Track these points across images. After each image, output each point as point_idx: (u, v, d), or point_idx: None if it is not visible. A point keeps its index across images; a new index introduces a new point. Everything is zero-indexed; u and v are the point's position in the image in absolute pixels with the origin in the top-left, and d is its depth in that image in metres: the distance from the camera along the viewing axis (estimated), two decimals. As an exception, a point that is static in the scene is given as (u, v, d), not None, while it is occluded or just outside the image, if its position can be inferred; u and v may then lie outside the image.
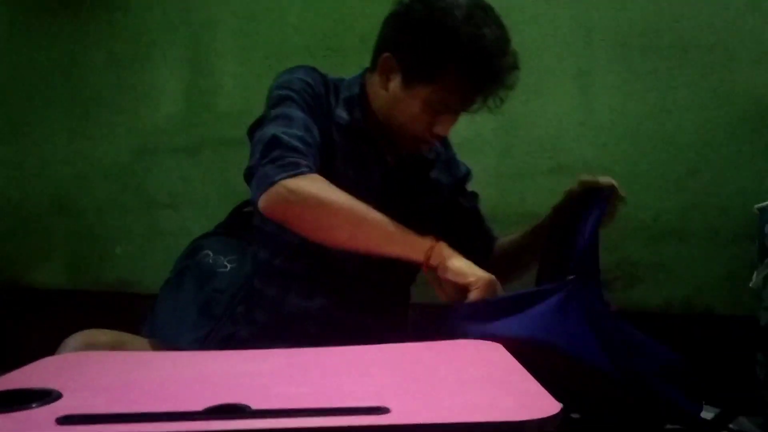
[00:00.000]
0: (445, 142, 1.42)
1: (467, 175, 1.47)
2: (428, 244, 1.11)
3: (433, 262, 1.10)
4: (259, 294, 1.27)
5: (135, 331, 1.29)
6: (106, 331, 1.16)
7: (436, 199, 1.39)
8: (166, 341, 1.25)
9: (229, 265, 1.38)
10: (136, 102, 2.05)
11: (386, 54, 1.22)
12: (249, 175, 1.18)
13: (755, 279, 1.49)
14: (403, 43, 1.21)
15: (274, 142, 1.13)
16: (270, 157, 1.12)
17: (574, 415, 1.08)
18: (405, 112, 1.22)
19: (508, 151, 1.81)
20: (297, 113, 1.19)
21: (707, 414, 1.29)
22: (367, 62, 1.32)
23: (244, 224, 1.39)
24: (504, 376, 0.77)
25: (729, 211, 1.68)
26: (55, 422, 0.63)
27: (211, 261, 1.40)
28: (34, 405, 0.70)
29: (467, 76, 1.17)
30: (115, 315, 1.73)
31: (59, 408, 0.69)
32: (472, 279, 1.07)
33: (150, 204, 2.05)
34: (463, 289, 1.08)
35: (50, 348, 1.05)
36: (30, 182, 2.14)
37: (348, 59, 1.85)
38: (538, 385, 0.72)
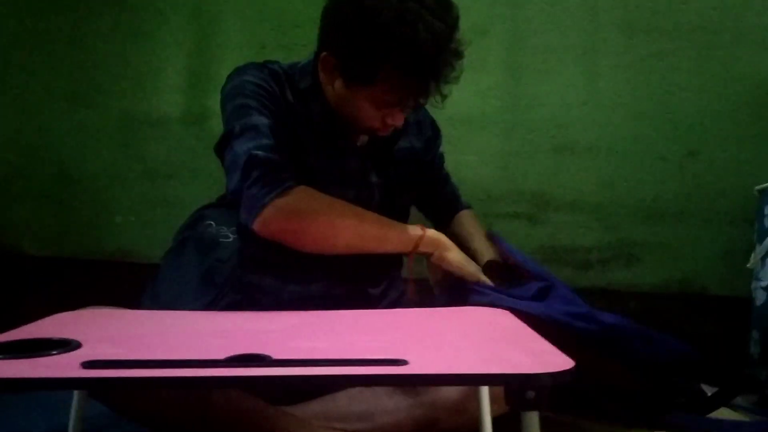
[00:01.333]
0: None
1: (438, 135, 1.45)
2: (417, 235, 1.21)
3: (423, 249, 1.22)
4: (256, 287, 1.25)
5: (134, 299, 1.30)
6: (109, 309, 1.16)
7: (413, 165, 1.37)
8: (168, 309, 1.25)
9: (231, 236, 1.39)
10: (139, 71, 2.04)
11: (324, 53, 1.19)
12: (235, 198, 1.17)
13: (753, 259, 1.52)
14: (338, 44, 1.17)
15: (252, 161, 1.13)
16: (252, 178, 1.12)
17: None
18: (354, 108, 1.20)
19: (512, 130, 1.82)
20: (260, 120, 1.17)
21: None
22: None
23: None
24: (516, 336, 0.79)
25: (728, 193, 1.70)
26: (80, 366, 0.64)
27: (213, 231, 1.40)
28: (55, 352, 0.71)
29: (405, 76, 1.13)
30: (115, 284, 1.74)
31: (80, 355, 0.70)
32: (466, 273, 1.23)
33: (151, 174, 2.04)
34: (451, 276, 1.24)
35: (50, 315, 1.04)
36: (31, 149, 2.13)
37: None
38: (550, 344, 0.73)
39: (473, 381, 0.61)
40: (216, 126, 1.98)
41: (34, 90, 2.13)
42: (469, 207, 1.51)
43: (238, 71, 1.25)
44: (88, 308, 1.10)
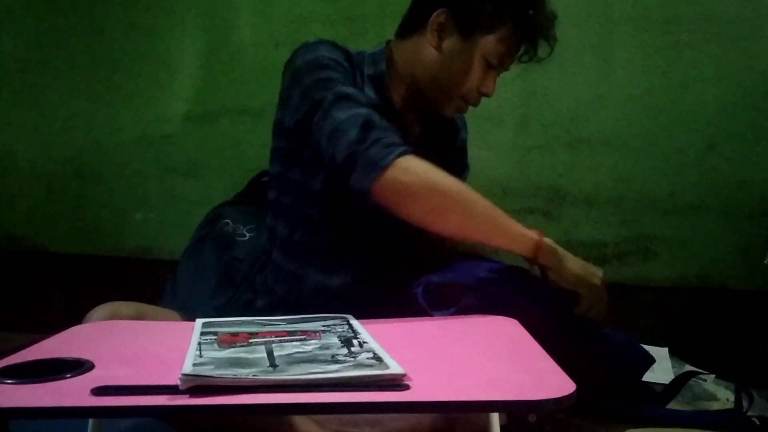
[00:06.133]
0: None
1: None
2: (534, 239, 1.12)
3: (543, 261, 1.13)
4: (279, 267, 1.26)
5: (154, 295, 1.32)
6: (129, 303, 1.17)
7: (464, 157, 1.42)
8: (186, 308, 1.27)
9: (248, 234, 1.41)
10: (155, 70, 2.05)
11: (440, 10, 1.22)
12: (347, 163, 1.12)
13: (771, 255, 1.50)
14: None
15: (369, 124, 1.12)
16: (370, 140, 1.10)
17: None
18: (460, 68, 1.22)
19: (527, 124, 1.81)
20: (351, 90, 1.18)
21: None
22: (385, 31, 1.30)
23: (262, 194, 1.40)
24: (521, 353, 0.79)
25: (746, 187, 1.68)
26: (90, 393, 0.66)
27: (230, 230, 1.42)
28: (68, 375, 0.73)
29: (525, 21, 1.20)
30: (134, 280, 1.77)
31: (92, 379, 0.72)
32: (584, 290, 1.14)
33: (169, 171, 2.06)
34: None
35: (71, 312, 1.06)
36: (50, 148, 2.16)
37: (367, 27, 1.85)
38: (554, 363, 0.74)
39: (476, 408, 0.62)
40: (231, 124, 2.00)
41: (53, 88, 2.15)
42: None
43: (309, 47, 1.23)
44: (109, 303, 1.11)
